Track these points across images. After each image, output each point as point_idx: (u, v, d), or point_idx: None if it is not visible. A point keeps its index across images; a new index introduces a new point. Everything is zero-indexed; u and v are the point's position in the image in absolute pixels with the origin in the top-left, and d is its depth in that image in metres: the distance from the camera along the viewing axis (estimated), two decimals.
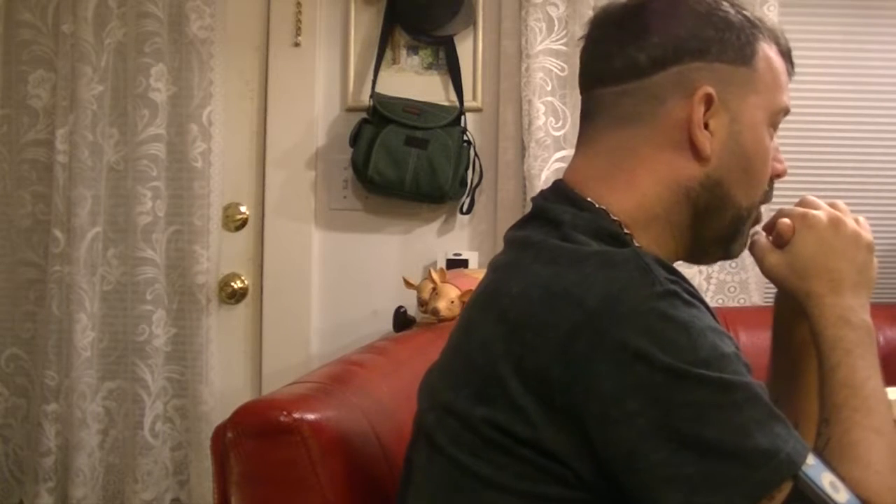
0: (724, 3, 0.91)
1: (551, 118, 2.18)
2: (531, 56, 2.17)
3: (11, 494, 2.24)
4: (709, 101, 0.88)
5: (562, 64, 2.19)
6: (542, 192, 0.96)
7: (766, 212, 0.96)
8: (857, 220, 0.92)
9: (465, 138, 2.20)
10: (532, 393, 0.77)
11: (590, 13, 2.02)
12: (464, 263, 2.21)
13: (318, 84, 2.27)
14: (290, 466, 0.98)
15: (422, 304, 1.99)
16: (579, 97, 0.96)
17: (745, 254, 0.96)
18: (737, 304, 2.24)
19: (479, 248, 2.26)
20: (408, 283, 2.04)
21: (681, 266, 0.88)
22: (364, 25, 2.27)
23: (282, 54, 2.24)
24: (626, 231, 0.87)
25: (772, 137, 0.93)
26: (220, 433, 1.02)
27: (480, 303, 0.86)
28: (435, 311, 1.91)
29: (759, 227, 0.97)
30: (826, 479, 0.74)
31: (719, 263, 2.22)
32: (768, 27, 0.93)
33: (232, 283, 2.25)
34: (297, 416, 0.99)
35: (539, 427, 0.76)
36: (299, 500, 0.98)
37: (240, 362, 2.26)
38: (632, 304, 0.75)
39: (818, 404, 0.85)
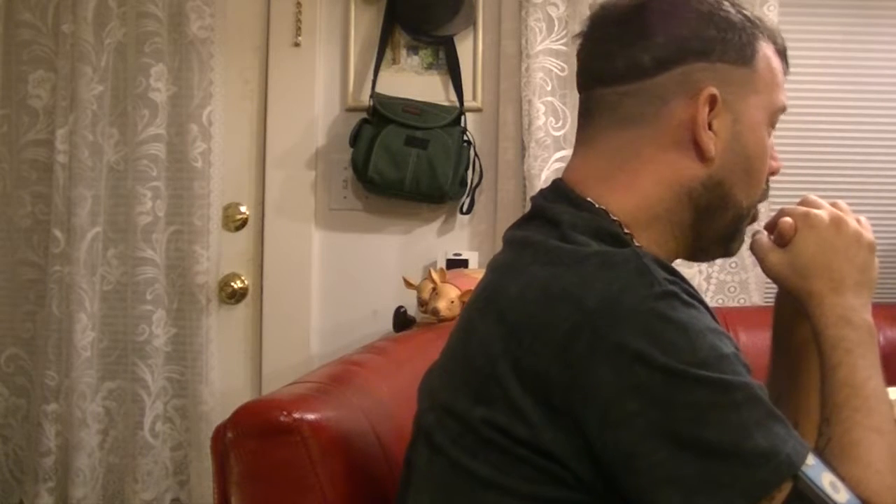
0: (725, 3, 0.91)
1: (551, 118, 2.18)
2: (531, 56, 2.17)
3: (11, 494, 2.24)
4: (713, 101, 0.88)
5: (562, 64, 2.19)
6: (542, 191, 0.95)
7: (766, 212, 0.96)
8: (858, 220, 0.92)
9: (465, 138, 2.20)
10: (531, 394, 0.77)
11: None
12: (464, 263, 2.21)
13: (318, 84, 2.27)
14: (290, 466, 0.98)
15: (422, 304, 1.99)
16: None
17: (746, 254, 0.96)
18: (737, 304, 2.24)
19: (479, 248, 2.26)
20: (408, 283, 2.04)
21: (680, 266, 0.88)
22: (364, 25, 2.27)
23: (282, 54, 2.24)
24: (625, 231, 0.87)
25: (769, 136, 0.93)
26: (220, 433, 1.02)
27: (479, 303, 0.86)
28: (435, 311, 1.91)
29: (760, 226, 0.97)
30: (826, 479, 0.74)
31: (719, 264, 2.24)
32: (766, 26, 0.93)
33: (232, 283, 2.25)
34: (297, 416, 0.99)
35: (538, 428, 0.76)
36: (299, 500, 0.98)
37: (240, 362, 2.26)
38: (631, 305, 0.75)
39: (819, 404, 0.85)
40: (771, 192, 0.97)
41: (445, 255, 2.23)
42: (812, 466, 0.74)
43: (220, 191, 2.21)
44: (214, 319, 2.20)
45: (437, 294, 1.93)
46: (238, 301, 2.26)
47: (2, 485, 2.24)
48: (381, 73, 2.23)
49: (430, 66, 2.27)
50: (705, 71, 0.88)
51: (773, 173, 0.95)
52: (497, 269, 0.89)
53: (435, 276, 1.97)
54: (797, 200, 0.95)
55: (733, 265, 2.25)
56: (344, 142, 2.20)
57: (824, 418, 0.83)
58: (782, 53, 0.95)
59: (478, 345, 0.82)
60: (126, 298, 2.19)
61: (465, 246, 2.26)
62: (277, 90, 2.24)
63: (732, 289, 2.25)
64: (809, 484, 0.73)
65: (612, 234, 0.86)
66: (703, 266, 2.22)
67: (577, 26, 2.12)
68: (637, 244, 0.87)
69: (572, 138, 1.99)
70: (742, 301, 2.24)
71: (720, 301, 2.23)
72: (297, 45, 2.23)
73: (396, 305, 2.14)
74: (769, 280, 0.95)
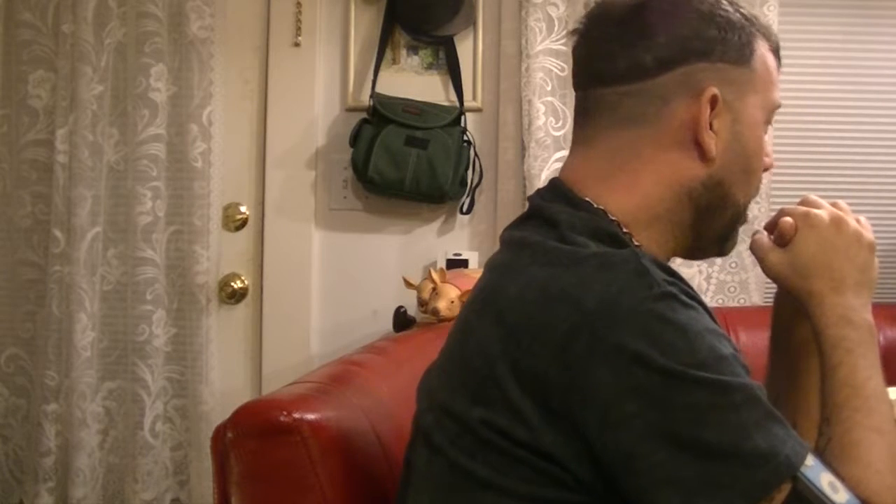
0: (724, 2, 0.91)
1: (551, 118, 2.18)
2: (531, 56, 2.17)
3: (11, 494, 2.24)
4: (714, 101, 0.88)
5: (562, 64, 2.19)
6: (539, 190, 0.95)
7: (767, 212, 0.96)
8: (858, 220, 0.92)
9: (465, 138, 2.20)
10: (529, 395, 0.77)
11: None
12: (464, 263, 2.21)
13: (318, 84, 2.27)
14: (289, 466, 0.98)
15: (422, 304, 1.99)
16: None
17: (746, 253, 0.97)
18: (737, 304, 2.23)
19: (479, 248, 2.25)
20: (408, 283, 2.04)
21: (680, 266, 0.88)
22: (364, 25, 2.27)
23: (282, 54, 2.24)
24: (624, 231, 0.87)
25: (766, 134, 0.94)
26: (220, 433, 1.02)
27: (477, 304, 0.86)
28: (435, 311, 1.91)
29: (760, 226, 0.97)
30: (825, 480, 0.74)
31: (719, 263, 2.24)
32: (761, 24, 0.94)
33: (232, 283, 2.25)
34: (297, 416, 0.99)
35: (537, 429, 0.76)
36: (299, 499, 0.98)
37: (240, 362, 2.26)
38: (630, 306, 0.75)
39: (818, 403, 0.85)
40: (771, 192, 0.98)
41: (445, 255, 2.23)
42: (811, 467, 0.74)
43: (220, 191, 2.21)
44: (214, 319, 2.20)
45: (437, 294, 1.93)
46: (238, 301, 2.26)
47: (2, 485, 2.24)
48: (381, 73, 2.23)
49: (430, 66, 2.27)
50: (707, 71, 0.88)
51: (765, 170, 0.95)
52: (495, 269, 0.89)
53: (435, 276, 1.97)
54: (797, 200, 0.95)
55: (733, 265, 2.24)
56: (344, 142, 2.20)
57: (824, 418, 0.83)
58: (776, 51, 0.95)
59: (476, 346, 0.82)
60: (126, 298, 2.19)
61: (465, 246, 2.26)
62: (277, 90, 2.24)
63: (732, 289, 2.25)
64: (808, 484, 0.73)
65: (610, 235, 0.86)
66: (703, 266, 2.21)
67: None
68: (636, 244, 0.87)
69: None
70: (742, 301, 2.24)
71: (720, 301, 2.23)
72: (297, 45, 2.23)
73: (396, 305, 2.14)
74: (769, 280, 0.95)
